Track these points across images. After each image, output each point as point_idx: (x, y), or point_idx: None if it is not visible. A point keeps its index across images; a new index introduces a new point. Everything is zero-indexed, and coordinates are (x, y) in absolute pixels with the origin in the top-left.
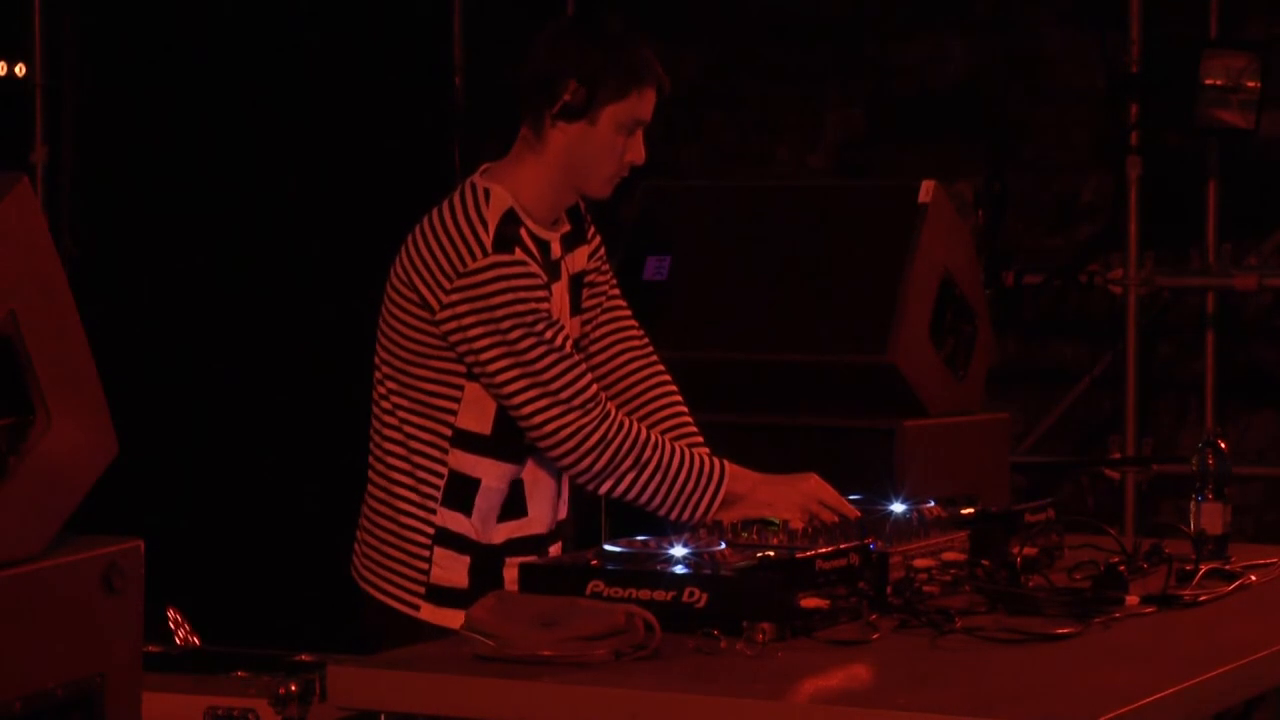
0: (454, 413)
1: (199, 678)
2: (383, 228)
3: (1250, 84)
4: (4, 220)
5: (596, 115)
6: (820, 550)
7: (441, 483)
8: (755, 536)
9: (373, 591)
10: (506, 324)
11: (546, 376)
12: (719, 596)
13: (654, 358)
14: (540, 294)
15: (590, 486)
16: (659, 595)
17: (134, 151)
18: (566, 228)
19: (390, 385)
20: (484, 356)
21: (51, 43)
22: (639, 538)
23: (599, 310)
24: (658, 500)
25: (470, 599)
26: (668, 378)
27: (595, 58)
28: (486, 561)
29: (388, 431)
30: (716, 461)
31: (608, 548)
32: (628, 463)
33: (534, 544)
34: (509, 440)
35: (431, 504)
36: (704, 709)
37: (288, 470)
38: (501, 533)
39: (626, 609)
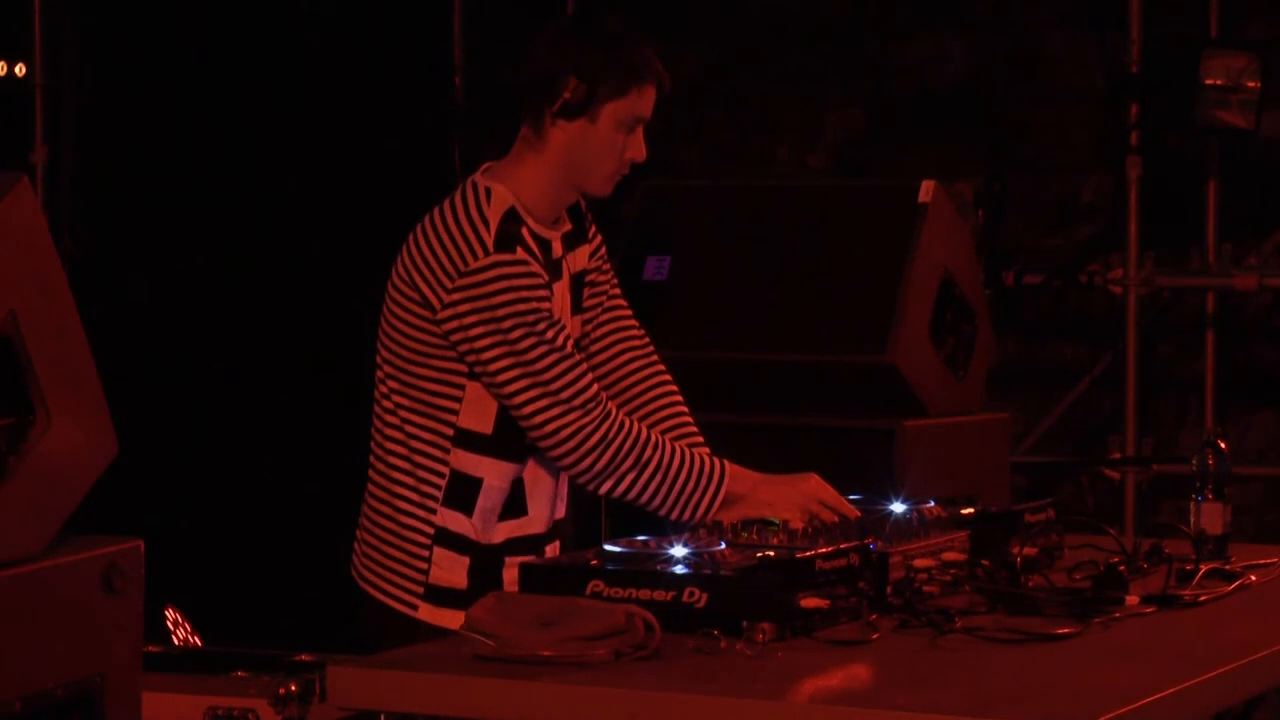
0: (456, 412)
1: (199, 678)
2: (383, 228)
3: (1250, 84)
4: (4, 220)
5: (597, 113)
6: (820, 550)
7: (443, 482)
8: (755, 536)
9: (371, 591)
10: (508, 323)
11: (547, 376)
12: (719, 596)
13: (654, 357)
14: (541, 293)
15: (591, 486)
16: (659, 595)
17: (134, 151)
18: (568, 227)
19: (392, 385)
20: (485, 356)
21: (51, 43)
22: (639, 538)
23: (600, 310)
24: (658, 500)
25: (469, 600)
26: (668, 377)
27: (595, 56)
28: (486, 562)
29: (389, 431)
30: (717, 461)
31: (608, 548)
32: (628, 463)
33: (532, 543)
34: (511, 440)
35: (432, 504)
36: (704, 709)
37: (288, 470)
38: (501, 532)
39: (626, 609)
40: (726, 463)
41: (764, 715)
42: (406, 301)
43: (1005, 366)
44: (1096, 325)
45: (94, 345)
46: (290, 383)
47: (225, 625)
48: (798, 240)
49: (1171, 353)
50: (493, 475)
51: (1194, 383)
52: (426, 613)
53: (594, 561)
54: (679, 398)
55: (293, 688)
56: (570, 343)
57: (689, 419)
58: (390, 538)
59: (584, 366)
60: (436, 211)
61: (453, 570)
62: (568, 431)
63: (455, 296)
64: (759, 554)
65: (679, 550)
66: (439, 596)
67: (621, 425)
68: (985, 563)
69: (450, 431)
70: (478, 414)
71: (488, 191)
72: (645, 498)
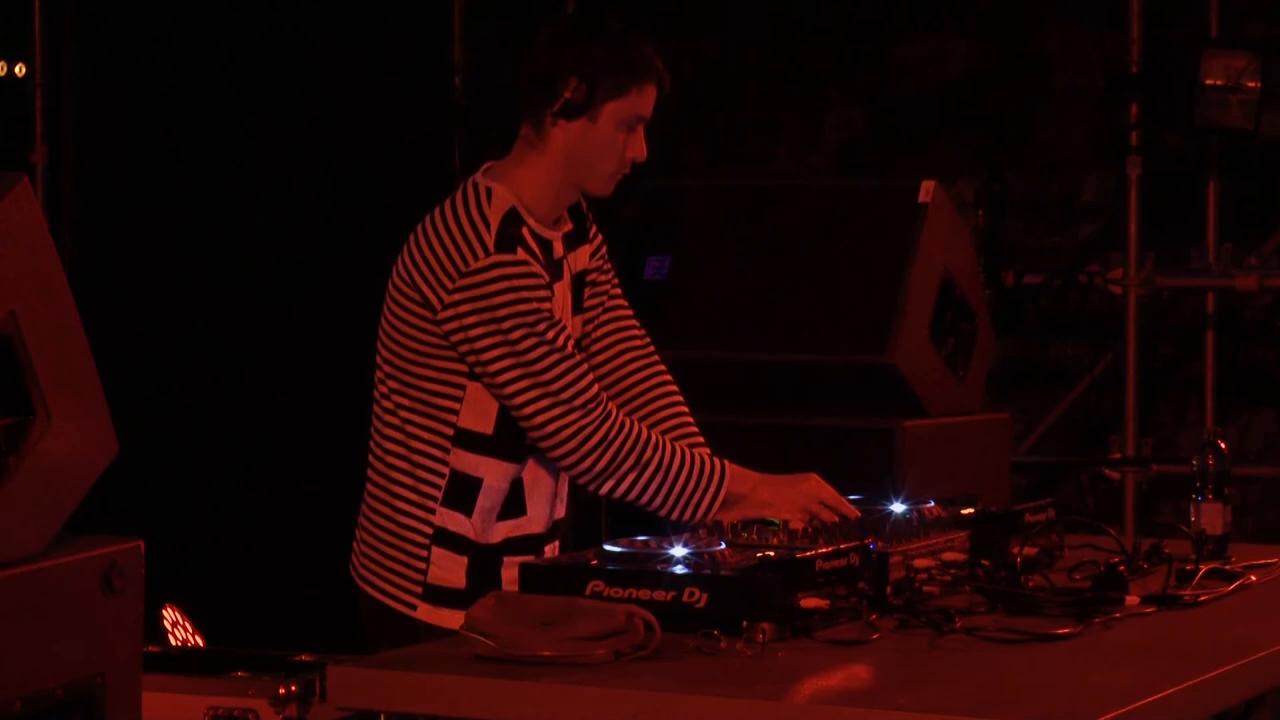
0: (456, 412)
1: (199, 678)
2: (383, 228)
3: (1250, 84)
4: (4, 220)
5: (597, 112)
6: (820, 550)
7: (442, 482)
8: (755, 536)
9: (370, 590)
10: (508, 324)
11: (548, 377)
12: (719, 596)
13: (655, 357)
14: (542, 294)
15: (591, 487)
16: (659, 595)
17: (134, 151)
18: (569, 227)
19: (392, 385)
20: (485, 356)
21: (51, 43)
22: (639, 538)
23: (601, 310)
24: (658, 501)
25: (467, 600)
26: (669, 378)
27: (595, 55)
28: (484, 562)
29: (389, 431)
30: (717, 462)
31: (608, 548)
32: (629, 463)
33: (532, 543)
34: (511, 440)
35: (431, 504)
36: (704, 709)
37: (288, 470)
38: (500, 532)
39: (626, 609)
40: (727, 463)
41: (764, 715)
42: (407, 301)
43: (1005, 367)
44: (1096, 325)
45: (94, 345)
46: (290, 383)
47: (225, 625)
48: (798, 240)
49: (1171, 353)
50: (492, 475)
51: (1194, 383)
52: (425, 612)
53: (594, 561)
54: (679, 398)
55: (293, 688)
56: (571, 343)
57: (689, 419)
58: (389, 537)
59: (584, 367)
60: (437, 212)
61: (451, 570)
62: (568, 432)
63: (456, 297)
64: (759, 554)
65: (679, 550)
66: (438, 596)
67: (622, 426)
68: (985, 563)
69: (450, 431)
70: (478, 414)
71: (488, 192)
72: (645, 498)
